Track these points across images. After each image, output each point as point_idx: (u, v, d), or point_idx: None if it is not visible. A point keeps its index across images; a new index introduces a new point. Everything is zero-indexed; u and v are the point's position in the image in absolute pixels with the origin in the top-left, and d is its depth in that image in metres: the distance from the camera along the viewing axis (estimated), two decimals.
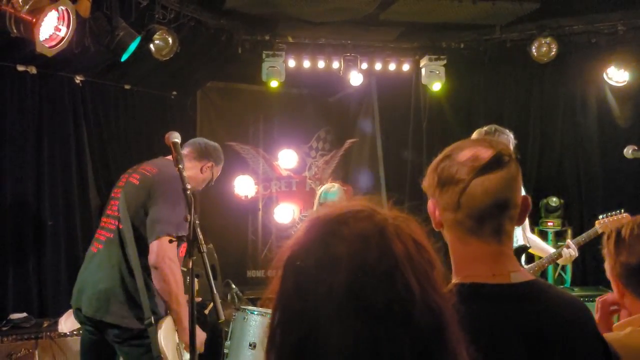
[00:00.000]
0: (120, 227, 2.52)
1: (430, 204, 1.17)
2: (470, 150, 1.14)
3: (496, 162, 1.11)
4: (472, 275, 1.10)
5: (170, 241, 2.32)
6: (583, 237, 3.20)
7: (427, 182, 1.18)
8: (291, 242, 0.75)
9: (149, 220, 2.43)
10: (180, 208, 2.33)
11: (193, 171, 2.75)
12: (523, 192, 1.23)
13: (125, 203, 2.52)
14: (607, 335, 1.38)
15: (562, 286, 5.21)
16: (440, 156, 1.18)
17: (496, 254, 1.13)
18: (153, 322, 2.39)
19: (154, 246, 2.38)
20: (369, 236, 0.70)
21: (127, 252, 2.47)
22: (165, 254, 2.37)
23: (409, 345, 0.65)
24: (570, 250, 3.17)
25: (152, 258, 2.38)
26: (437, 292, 0.70)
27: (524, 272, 1.16)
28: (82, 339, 2.66)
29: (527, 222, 3.43)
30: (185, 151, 2.77)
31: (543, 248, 3.46)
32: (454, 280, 1.13)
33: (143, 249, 2.44)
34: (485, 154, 1.12)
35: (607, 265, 1.52)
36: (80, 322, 2.63)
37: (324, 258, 0.69)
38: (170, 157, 2.71)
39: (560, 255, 3.21)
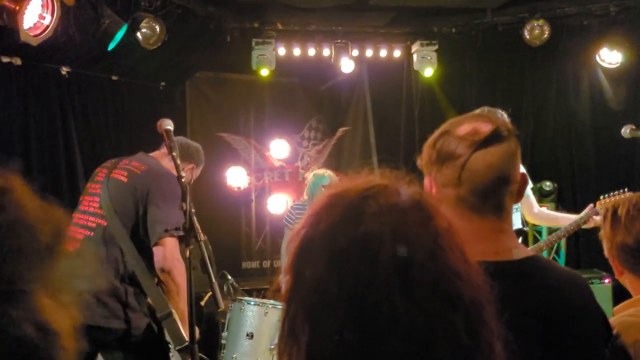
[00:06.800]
0: (105, 224, 2.42)
1: (426, 182, 1.14)
2: (470, 124, 1.12)
3: (496, 136, 1.09)
4: (475, 253, 1.07)
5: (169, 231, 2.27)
6: (582, 217, 3.15)
7: (424, 159, 1.15)
8: (307, 223, 0.68)
9: (150, 221, 2.36)
10: (177, 209, 2.28)
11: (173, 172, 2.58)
12: (522, 169, 1.21)
13: (110, 200, 2.43)
14: (611, 320, 1.36)
15: None
16: (437, 132, 1.15)
17: (497, 231, 1.11)
18: (171, 312, 2.33)
19: (159, 249, 2.32)
20: (404, 211, 0.65)
21: (116, 250, 2.39)
22: (174, 256, 2.32)
23: (461, 324, 0.61)
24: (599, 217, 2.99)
25: (160, 262, 2.32)
26: (474, 266, 0.66)
27: (523, 247, 1.16)
28: None
29: (533, 200, 3.39)
30: (165, 151, 2.61)
31: (557, 217, 3.38)
32: None
33: (140, 246, 2.39)
34: (485, 127, 1.10)
35: (604, 245, 1.50)
36: None
37: (359, 236, 0.63)
38: (152, 153, 2.65)
39: (586, 221, 3.03)
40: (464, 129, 1.11)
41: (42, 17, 2.88)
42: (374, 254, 0.62)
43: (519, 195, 1.16)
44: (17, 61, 3.97)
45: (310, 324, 0.64)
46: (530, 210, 3.30)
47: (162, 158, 2.62)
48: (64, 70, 4.36)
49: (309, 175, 4.33)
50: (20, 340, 0.33)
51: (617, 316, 1.41)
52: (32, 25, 2.84)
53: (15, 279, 0.35)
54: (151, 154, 2.66)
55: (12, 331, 0.33)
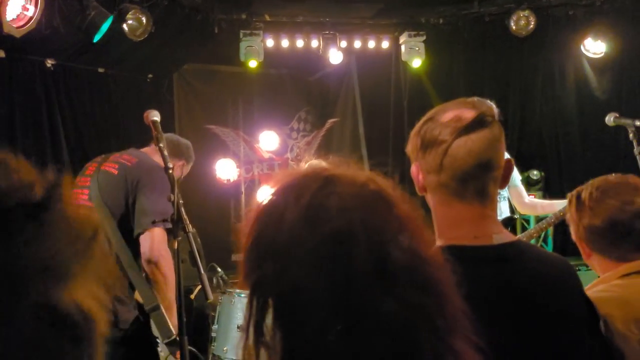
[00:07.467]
0: None
1: (413, 168, 1.15)
2: (453, 111, 1.12)
3: (479, 122, 1.10)
4: (455, 237, 1.08)
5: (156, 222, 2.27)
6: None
7: (410, 146, 1.16)
8: (267, 217, 0.65)
9: (137, 211, 2.35)
10: (166, 200, 2.27)
11: None
12: (507, 155, 1.21)
13: (99, 192, 2.43)
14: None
15: None
16: (423, 119, 1.15)
17: (479, 216, 1.11)
18: (159, 305, 2.32)
19: (146, 240, 2.30)
20: (369, 202, 0.64)
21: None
22: (161, 246, 2.31)
23: (435, 308, 0.61)
24: None
25: (147, 253, 2.30)
26: (433, 248, 0.67)
27: (507, 233, 1.15)
28: None
29: (523, 190, 3.39)
30: (155, 147, 2.64)
31: (550, 204, 3.36)
32: (437, 243, 1.10)
33: (129, 239, 2.37)
34: (468, 114, 1.11)
35: (571, 229, 1.54)
36: None
37: (329, 234, 0.61)
38: (143, 149, 2.65)
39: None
40: (448, 115, 1.11)
41: (25, 9, 2.84)
42: (348, 251, 0.60)
43: (504, 181, 1.16)
44: (1, 54, 3.91)
45: (286, 329, 0.61)
46: (521, 201, 3.30)
47: (153, 154, 2.61)
48: (49, 62, 4.30)
49: (305, 165, 4.33)
50: (67, 317, 0.34)
51: (588, 293, 1.45)
52: (15, 16, 2.80)
53: (58, 273, 0.36)
54: (142, 150, 2.66)
55: (59, 308, 0.34)
